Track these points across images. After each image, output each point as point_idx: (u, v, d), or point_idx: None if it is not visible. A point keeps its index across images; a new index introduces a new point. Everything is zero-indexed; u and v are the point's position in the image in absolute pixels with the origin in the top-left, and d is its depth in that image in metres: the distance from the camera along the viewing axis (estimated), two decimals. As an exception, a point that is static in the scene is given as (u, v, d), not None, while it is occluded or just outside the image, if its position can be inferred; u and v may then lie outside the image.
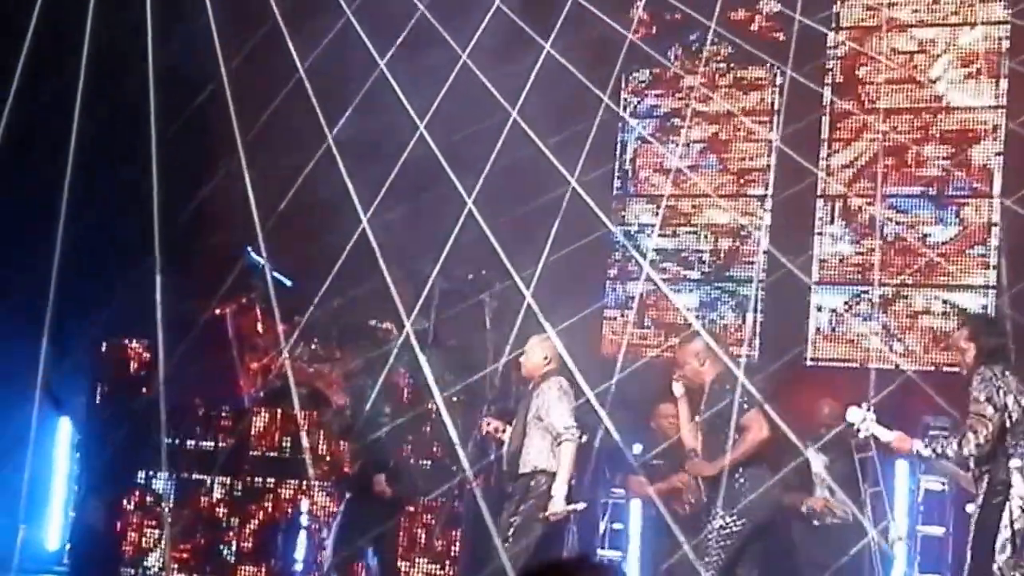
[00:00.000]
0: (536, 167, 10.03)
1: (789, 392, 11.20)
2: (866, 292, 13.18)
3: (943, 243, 13.07)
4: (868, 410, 9.20)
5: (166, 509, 12.10)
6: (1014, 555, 8.76)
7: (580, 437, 9.58)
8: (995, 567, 8.75)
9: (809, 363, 13.35)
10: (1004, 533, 8.82)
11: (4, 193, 9.68)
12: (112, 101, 9.80)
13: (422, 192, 9.67)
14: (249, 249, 11.29)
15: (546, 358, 9.74)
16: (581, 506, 9.68)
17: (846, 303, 13.46)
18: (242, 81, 9.60)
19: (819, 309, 13.51)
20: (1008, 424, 8.82)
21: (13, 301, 10.14)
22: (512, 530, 9.36)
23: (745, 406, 9.37)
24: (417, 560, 11.69)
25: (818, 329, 13.51)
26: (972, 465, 8.94)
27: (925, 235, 13.14)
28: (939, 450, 8.89)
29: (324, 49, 9.29)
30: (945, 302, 13.05)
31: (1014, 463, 8.86)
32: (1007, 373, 8.88)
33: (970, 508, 9.14)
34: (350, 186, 8.73)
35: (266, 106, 9.76)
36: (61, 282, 9.33)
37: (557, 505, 9.34)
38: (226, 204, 10.57)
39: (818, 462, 10.81)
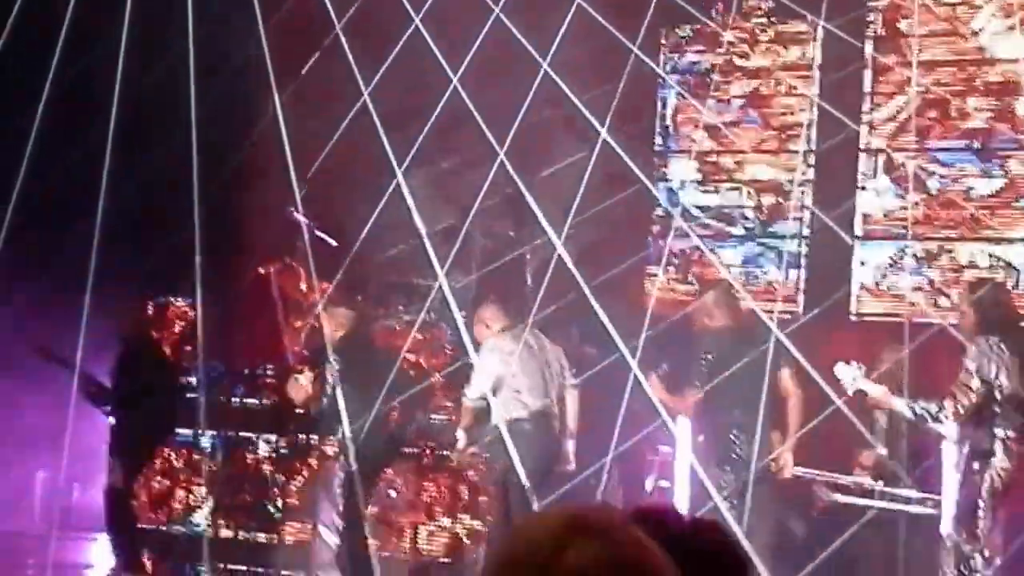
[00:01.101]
0: (575, 123, 10.12)
1: (833, 347, 11.27)
2: (910, 246, 13.20)
3: (987, 196, 13.08)
4: (857, 367, 9.35)
5: (212, 467, 12.26)
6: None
7: (484, 403, 10.30)
8: (977, 531, 8.91)
9: (853, 318, 13.40)
10: (982, 503, 8.97)
11: (48, 156, 9.84)
12: (153, 63, 9.95)
13: (458, 149, 9.77)
14: (291, 209, 11.42)
15: (487, 326, 10.18)
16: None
17: (890, 258, 13.49)
18: (280, 41, 9.73)
19: (863, 264, 13.54)
20: (998, 396, 8.93)
21: (57, 263, 10.32)
22: None
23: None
24: (460, 517, 11.83)
25: (862, 284, 13.55)
26: (955, 431, 9.06)
27: (969, 188, 13.15)
28: (919, 411, 9.02)
29: (360, 6, 9.39)
30: (991, 255, 13.06)
31: (999, 433, 8.98)
32: (1003, 346, 8.98)
33: (947, 471, 9.25)
34: (386, 143, 8.85)
35: (303, 65, 9.89)
36: (103, 243, 9.50)
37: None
38: (266, 164, 10.75)
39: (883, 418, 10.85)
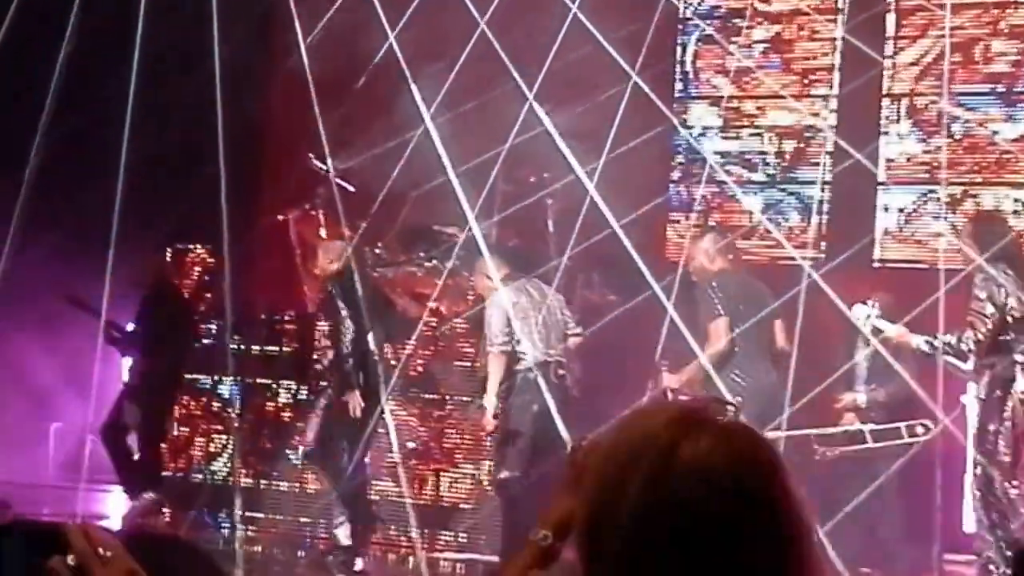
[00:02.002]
0: (593, 68, 10.11)
1: (855, 293, 11.29)
2: (934, 191, 13.19)
3: (1013, 140, 13.06)
4: (872, 306, 9.41)
5: (232, 414, 12.30)
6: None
7: (509, 346, 10.23)
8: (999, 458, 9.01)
9: (876, 264, 13.40)
10: (1004, 430, 9.07)
11: (70, 104, 9.85)
12: (175, 9, 9.94)
13: (483, 92, 9.76)
14: (312, 156, 11.43)
15: (487, 276, 10.14)
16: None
17: (913, 203, 13.48)
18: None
19: (886, 209, 13.54)
20: (1011, 321, 9.00)
21: (80, 210, 10.34)
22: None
23: (717, 311, 9.68)
24: (482, 464, 11.88)
25: (885, 230, 13.55)
26: (973, 361, 9.13)
27: (994, 132, 13.12)
28: (937, 344, 9.08)
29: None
30: (1016, 200, 13.06)
31: (1018, 358, 9.05)
32: (1008, 272, 9.03)
33: (966, 399, 9.34)
34: (413, 87, 8.86)
35: (328, 9, 9.87)
36: (127, 190, 9.52)
37: (486, 421, 10.34)
38: (289, 109, 10.76)
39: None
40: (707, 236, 10.70)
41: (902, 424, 10.28)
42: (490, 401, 10.41)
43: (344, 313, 10.73)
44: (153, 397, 11.85)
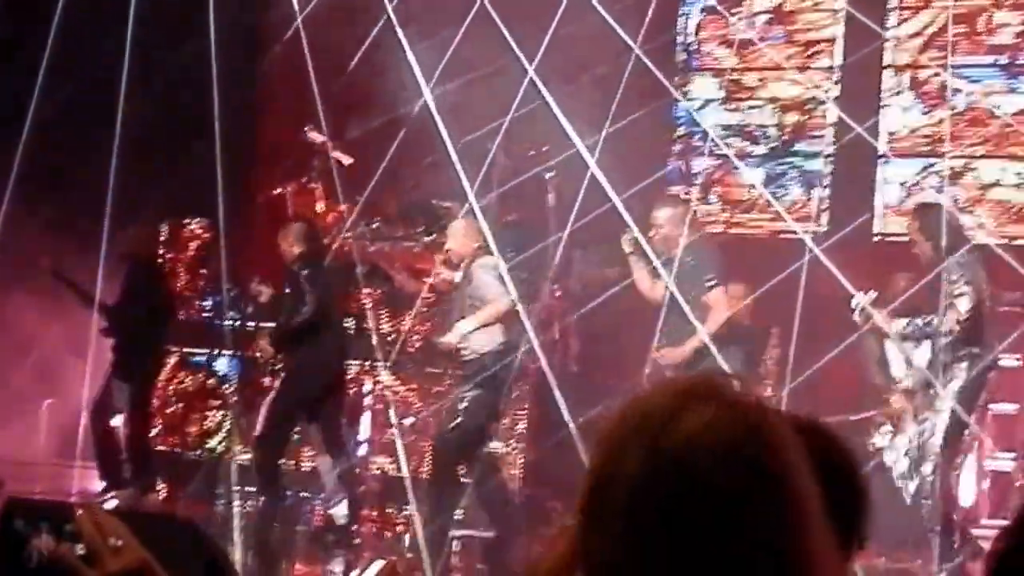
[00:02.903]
0: (595, 40, 10.08)
1: (856, 266, 11.28)
2: (935, 164, 13.20)
3: (1014, 113, 13.06)
4: (864, 294, 9.45)
5: (228, 389, 12.28)
6: None
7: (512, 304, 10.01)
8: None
9: (876, 237, 13.41)
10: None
11: (62, 74, 9.82)
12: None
13: (481, 65, 9.74)
14: (309, 127, 11.41)
15: (477, 244, 10.06)
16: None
17: (915, 176, 13.49)
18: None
19: (887, 182, 13.54)
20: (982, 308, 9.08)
21: (73, 182, 10.33)
22: (459, 415, 10.06)
23: (711, 283, 9.68)
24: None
25: (886, 203, 13.55)
26: (950, 348, 9.19)
27: (996, 105, 13.12)
28: (911, 329, 9.16)
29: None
30: (1017, 173, 13.06)
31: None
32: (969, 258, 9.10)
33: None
34: (412, 58, 8.84)
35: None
36: (121, 162, 9.50)
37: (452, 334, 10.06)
38: (286, 80, 10.73)
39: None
40: (671, 207, 10.60)
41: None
42: (466, 327, 10.27)
43: (308, 296, 10.65)
44: (134, 374, 11.78)
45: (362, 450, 12.09)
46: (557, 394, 8.61)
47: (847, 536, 2.35)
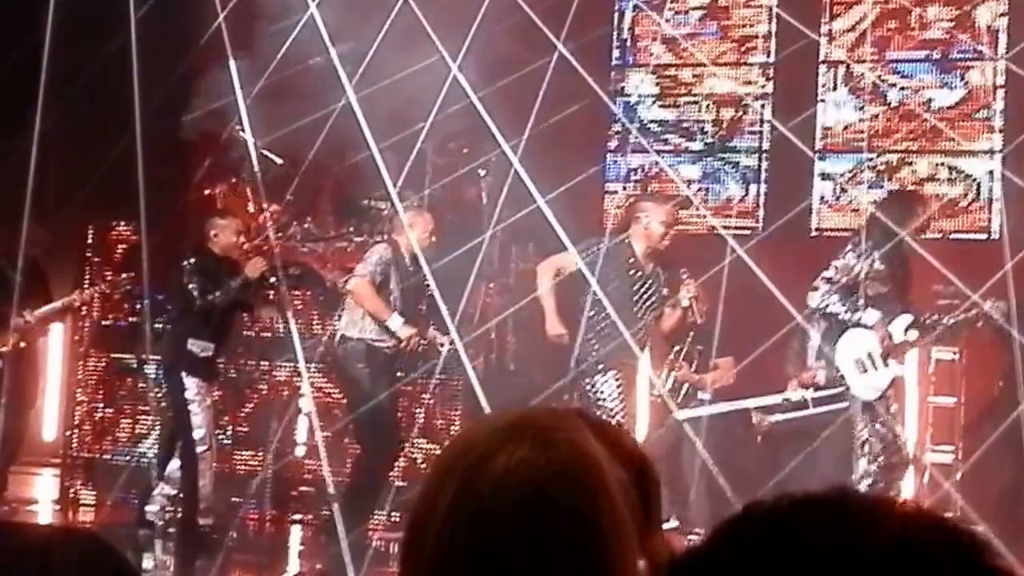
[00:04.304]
0: (527, 36, 10.09)
1: (792, 263, 11.34)
2: (870, 160, 13.28)
3: (947, 108, 13.16)
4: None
5: (158, 394, 12.18)
6: None
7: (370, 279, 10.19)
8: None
9: (813, 233, 13.49)
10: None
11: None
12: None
13: (410, 62, 9.72)
14: (237, 127, 11.36)
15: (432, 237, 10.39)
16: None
17: (850, 171, 13.57)
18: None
19: (823, 178, 13.62)
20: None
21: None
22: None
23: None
24: (416, 441, 11.87)
25: (822, 198, 13.63)
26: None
27: (929, 100, 13.22)
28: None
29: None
30: (951, 168, 13.16)
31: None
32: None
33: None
34: (335, 57, 8.82)
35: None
36: (41, 163, 9.41)
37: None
38: (211, 79, 10.69)
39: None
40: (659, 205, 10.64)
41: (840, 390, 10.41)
42: (395, 320, 10.34)
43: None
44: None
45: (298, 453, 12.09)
46: (479, 392, 8.61)
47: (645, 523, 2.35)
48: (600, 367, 9.70)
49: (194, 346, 10.55)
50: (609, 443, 1.92)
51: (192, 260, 10.58)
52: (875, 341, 9.42)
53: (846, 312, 9.45)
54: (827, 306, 9.49)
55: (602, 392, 9.63)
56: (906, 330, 9.51)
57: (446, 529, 1.75)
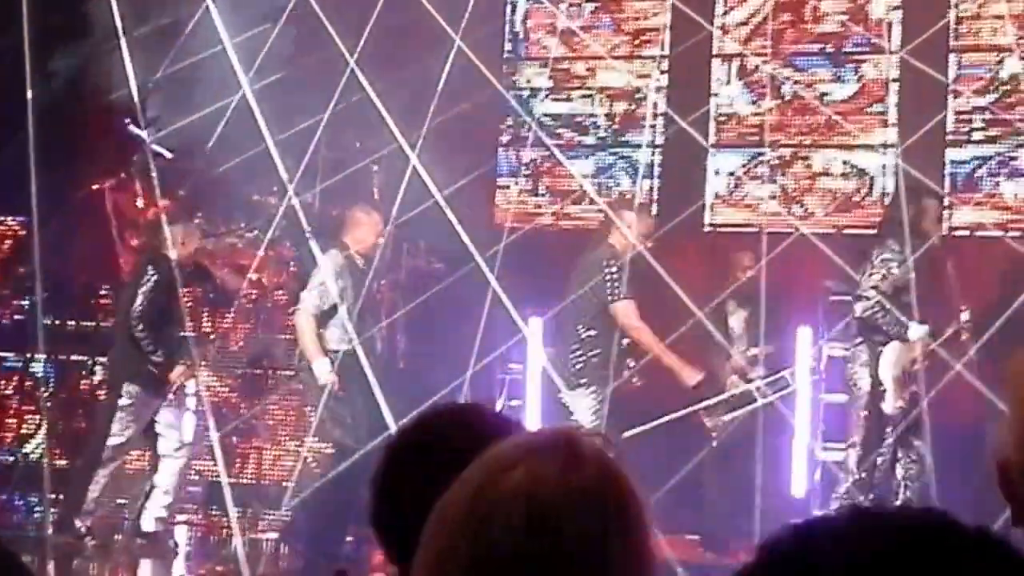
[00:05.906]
0: (420, 28, 10.19)
1: (687, 258, 11.57)
2: (764, 154, 13.45)
3: (841, 101, 13.39)
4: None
5: (45, 393, 12.15)
6: None
7: (313, 305, 10.34)
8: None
9: (707, 228, 13.67)
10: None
11: None
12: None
13: (304, 57, 9.80)
14: (128, 121, 11.36)
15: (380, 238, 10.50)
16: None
17: (743, 166, 13.77)
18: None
19: (717, 173, 13.80)
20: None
21: None
22: None
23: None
24: (306, 440, 11.92)
25: (716, 193, 13.82)
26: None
27: (823, 94, 13.45)
28: None
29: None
30: (845, 162, 13.40)
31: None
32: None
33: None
34: (230, 50, 8.88)
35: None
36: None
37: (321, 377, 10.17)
38: (104, 72, 10.67)
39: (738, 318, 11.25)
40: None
41: (786, 372, 10.65)
42: (320, 364, 10.41)
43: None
44: None
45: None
46: (379, 394, 8.71)
47: None
48: (583, 382, 9.93)
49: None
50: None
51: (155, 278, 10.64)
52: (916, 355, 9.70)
53: (890, 326, 9.70)
54: (875, 317, 9.72)
55: (576, 408, 9.86)
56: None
57: (455, 533, 1.79)
